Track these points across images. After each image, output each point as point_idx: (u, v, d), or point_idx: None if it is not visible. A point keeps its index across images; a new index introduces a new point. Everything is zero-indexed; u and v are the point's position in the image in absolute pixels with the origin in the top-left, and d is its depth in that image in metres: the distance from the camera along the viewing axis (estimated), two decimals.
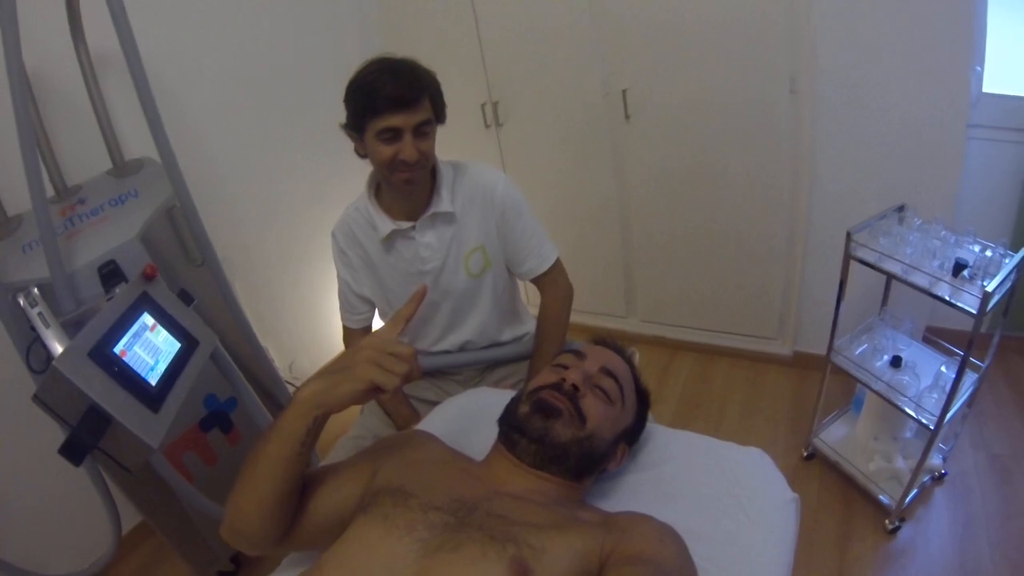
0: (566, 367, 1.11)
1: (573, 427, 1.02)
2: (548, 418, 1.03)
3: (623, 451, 1.13)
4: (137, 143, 1.89)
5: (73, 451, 1.09)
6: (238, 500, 0.92)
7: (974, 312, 1.51)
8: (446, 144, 1.47)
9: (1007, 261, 1.58)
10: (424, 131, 1.34)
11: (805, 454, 2.14)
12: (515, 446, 1.04)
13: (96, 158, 1.83)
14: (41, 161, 1.56)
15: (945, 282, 1.60)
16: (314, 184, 2.82)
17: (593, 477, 1.10)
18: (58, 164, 1.71)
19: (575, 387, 1.06)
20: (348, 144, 1.43)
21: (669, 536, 0.92)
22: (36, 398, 1.10)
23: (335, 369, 0.91)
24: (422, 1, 2.64)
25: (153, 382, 1.24)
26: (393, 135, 1.31)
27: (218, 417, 1.83)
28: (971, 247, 1.68)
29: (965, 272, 1.58)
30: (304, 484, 0.98)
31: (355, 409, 1.82)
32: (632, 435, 1.16)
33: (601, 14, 2.28)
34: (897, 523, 1.84)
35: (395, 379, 0.88)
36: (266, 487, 0.90)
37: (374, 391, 0.89)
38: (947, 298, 1.58)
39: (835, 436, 2.13)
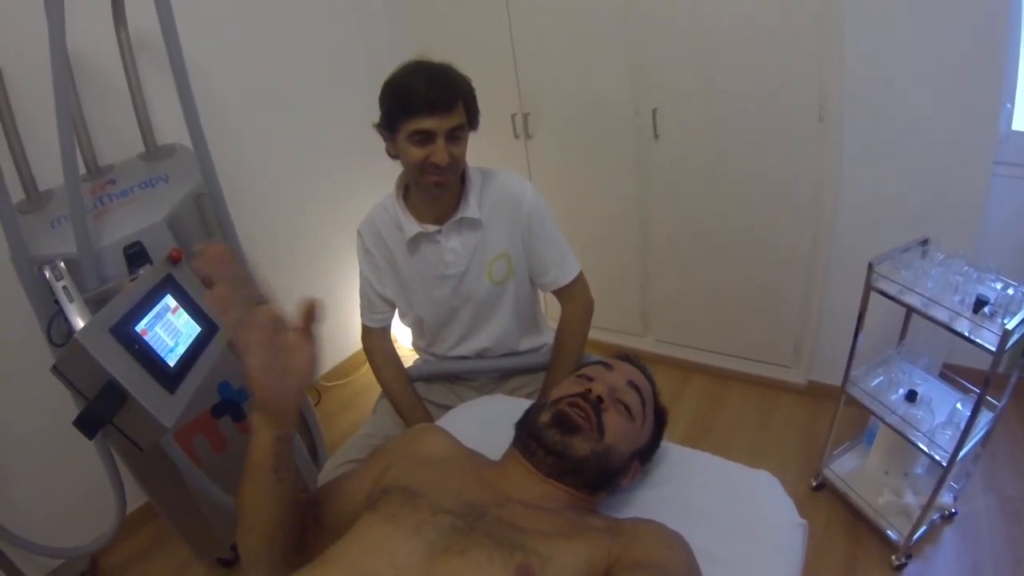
0: (592, 379, 1.10)
1: (592, 441, 1.01)
2: (568, 433, 1.02)
3: (636, 468, 1.11)
4: (170, 129, 1.91)
5: (88, 424, 1.10)
6: (244, 539, 0.91)
7: (993, 349, 1.49)
8: (474, 152, 1.48)
9: None
10: (456, 136, 1.35)
11: (814, 484, 2.12)
12: (532, 454, 1.03)
13: (129, 141, 1.87)
14: (75, 139, 1.59)
15: (965, 318, 1.59)
16: (342, 184, 2.86)
17: (607, 491, 1.09)
18: (92, 144, 1.74)
19: (600, 399, 1.05)
20: (378, 147, 1.44)
21: (678, 543, 0.91)
22: (55, 369, 1.12)
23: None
24: (457, 8, 2.68)
25: (171, 363, 1.25)
26: (425, 137, 1.31)
27: (230, 405, 1.84)
28: (993, 284, 1.67)
29: (986, 309, 1.57)
30: (324, 498, 0.99)
31: (367, 403, 1.83)
32: (646, 453, 1.15)
33: (635, 33, 2.30)
34: (904, 559, 1.82)
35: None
36: (261, 520, 0.88)
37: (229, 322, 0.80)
38: (966, 334, 1.56)
39: (845, 467, 2.10)
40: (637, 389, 1.11)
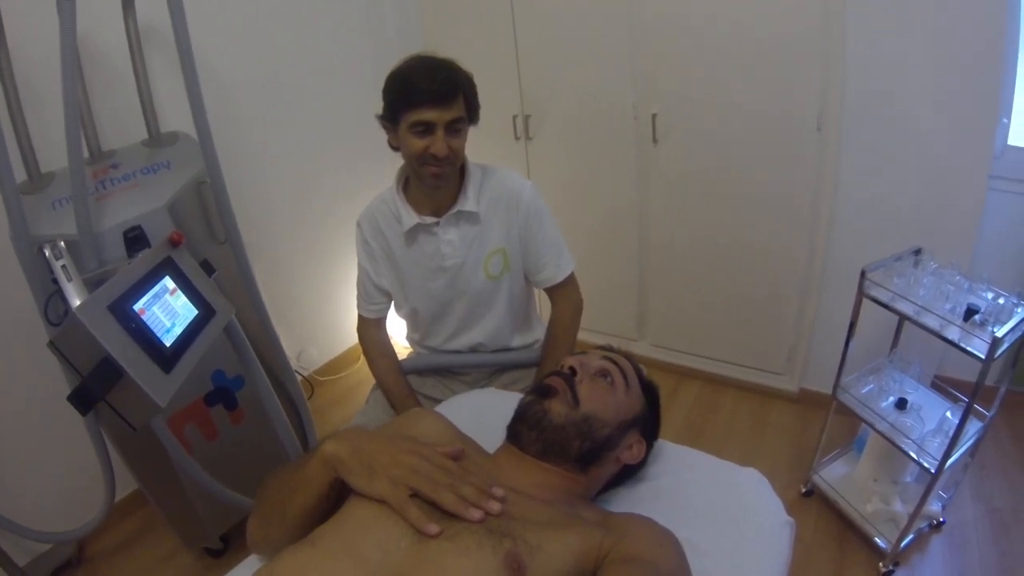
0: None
1: (567, 406, 1.04)
2: (544, 398, 1.05)
3: (638, 442, 1.11)
4: (174, 117, 1.93)
5: (82, 399, 1.11)
6: (268, 531, 0.96)
7: (982, 357, 1.51)
8: (475, 151, 1.49)
9: (1019, 310, 1.58)
10: (456, 128, 1.37)
11: (804, 490, 2.13)
12: (520, 437, 1.05)
13: (133, 127, 1.88)
14: (80, 123, 1.59)
15: (956, 325, 1.60)
16: (345, 178, 2.88)
17: (600, 468, 1.07)
18: (96, 128, 1.75)
19: (572, 370, 1.08)
20: (381, 144, 1.47)
21: (669, 540, 0.91)
22: (52, 345, 1.12)
23: (368, 450, 0.91)
24: (463, 10, 2.71)
25: (168, 343, 1.25)
26: (425, 129, 1.34)
27: (223, 393, 1.85)
28: (984, 294, 1.68)
29: (976, 317, 1.58)
30: None
31: (360, 399, 1.83)
32: (645, 425, 1.14)
33: (637, 39, 2.32)
34: (891, 567, 1.82)
35: (447, 494, 0.85)
36: (295, 528, 0.92)
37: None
38: (956, 341, 1.58)
39: (835, 475, 2.12)
40: (610, 359, 1.14)
